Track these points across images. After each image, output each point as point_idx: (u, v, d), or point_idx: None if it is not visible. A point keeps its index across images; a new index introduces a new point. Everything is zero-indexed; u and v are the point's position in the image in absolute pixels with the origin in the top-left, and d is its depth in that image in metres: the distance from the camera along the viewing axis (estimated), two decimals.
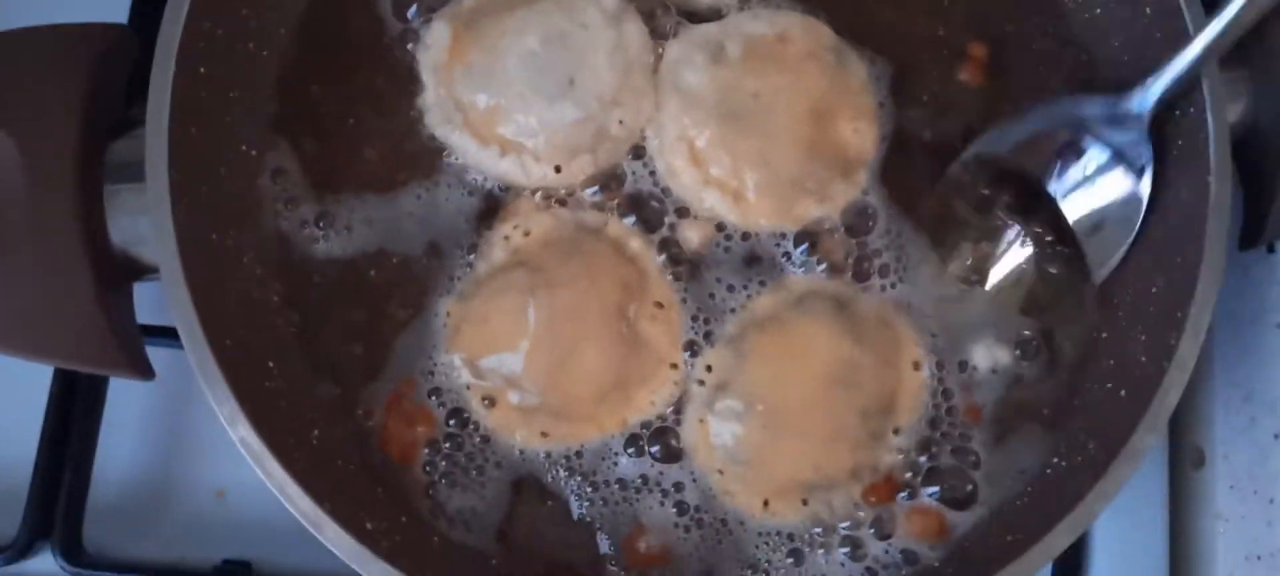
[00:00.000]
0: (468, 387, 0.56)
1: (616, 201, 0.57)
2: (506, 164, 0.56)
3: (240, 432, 0.49)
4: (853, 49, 0.58)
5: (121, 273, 0.53)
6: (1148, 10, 0.55)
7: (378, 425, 0.56)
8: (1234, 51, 0.53)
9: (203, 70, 0.53)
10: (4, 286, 0.50)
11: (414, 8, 0.59)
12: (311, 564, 0.61)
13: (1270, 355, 0.58)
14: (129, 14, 0.66)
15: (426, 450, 0.56)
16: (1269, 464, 0.57)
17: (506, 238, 0.57)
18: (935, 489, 0.55)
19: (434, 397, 0.56)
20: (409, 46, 0.59)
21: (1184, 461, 0.64)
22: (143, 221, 0.51)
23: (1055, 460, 0.55)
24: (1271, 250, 0.58)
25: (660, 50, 0.58)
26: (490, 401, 0.55)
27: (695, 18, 0.59)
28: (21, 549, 0.62)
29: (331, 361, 0.56)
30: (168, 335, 0.54)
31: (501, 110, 0.56)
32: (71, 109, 0.51)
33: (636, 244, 0.57)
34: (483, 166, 0.57)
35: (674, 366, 0.56)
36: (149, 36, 0.53)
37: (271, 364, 0.54)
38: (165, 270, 0.50)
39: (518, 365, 0.54)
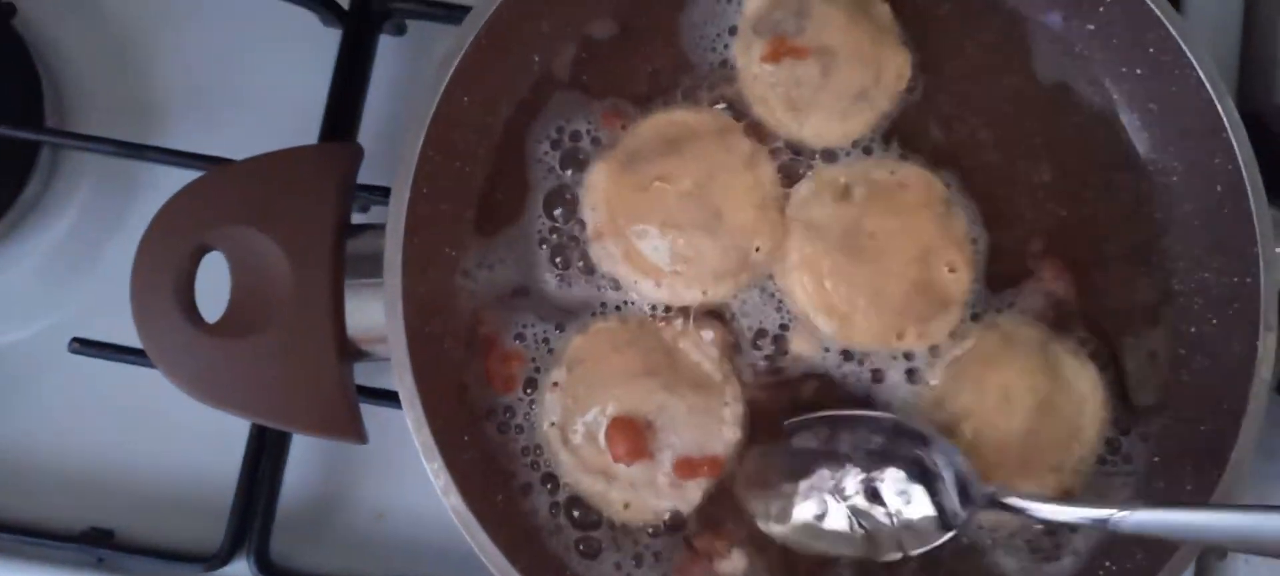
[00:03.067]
0: None
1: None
2: (663, 290, 0.66)
3: (453, 502, 0.60)
4: (960, 202, 0.68)
5: (353, 354, 0.63)
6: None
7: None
8: None
9: (426, 189, 0.63)
10: (267, 366, 0.60)
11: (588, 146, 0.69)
12: None
13: None
14: (319, 137, 0.76)
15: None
16: None
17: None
18: None
19: None
20: (568, 173, 0.68)
21: (1210, 553, 0.75)
22: (373, 310, 0.61)
23: (1107, 563, 0.64)
24: None
25: (791, 189, 0.68)
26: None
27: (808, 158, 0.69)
28: (224, 558, 0.74)
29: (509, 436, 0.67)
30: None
31: (658, 240, 0.66)
32: (326, 216, 0.61)
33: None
34: (639, 289, 0.67)
35: None
36: None
37: (466, 437, 0.65)
38: (395, 359, 0.61)
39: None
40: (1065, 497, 0.64)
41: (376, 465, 0.78)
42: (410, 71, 0.81)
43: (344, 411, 0.62)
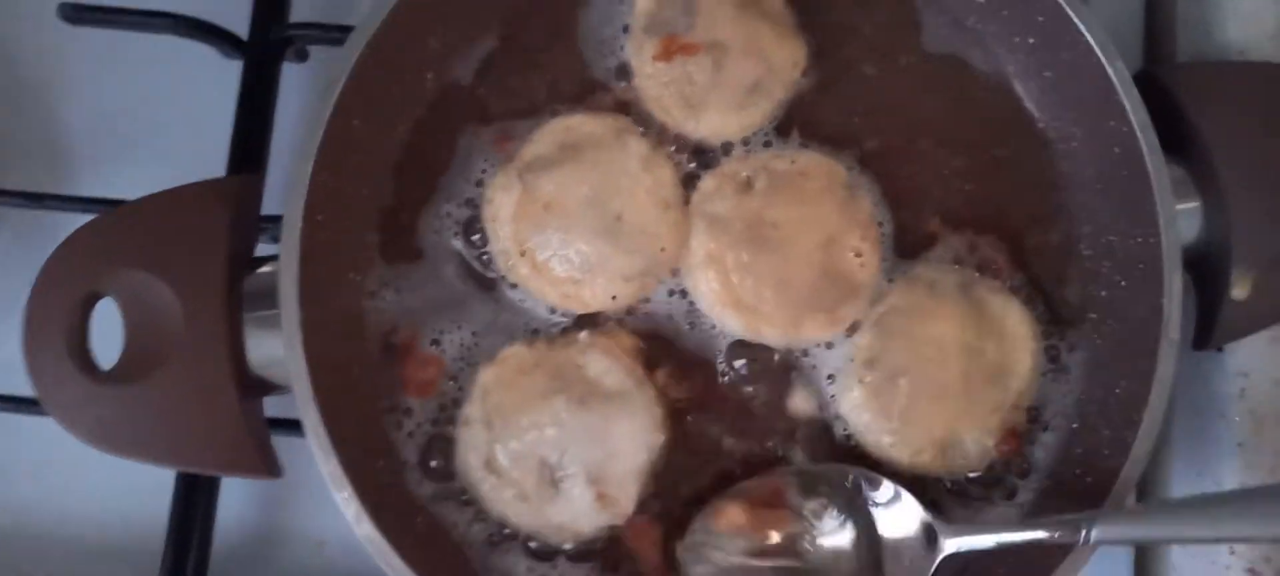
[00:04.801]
0: None
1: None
2: (572, 300, 0.66)
3: (365, 530, 0.59)
4: (863, 185, 0.68)
5: (257, 388, 0.63)
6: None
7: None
8: (1189, 181, 0.63)
9: (321, 217, 0.62)
10: (164, 411, 0.60)
11: (481, 167, 0.68)
12: None
13: (1217, 440, 0.68)
14: (226, 170, 0.75)
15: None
16: None
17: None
18: None
19: None
20: (475, 188, 0.68)
21: None
22: (275, 344, 0.61)
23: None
24: (1220, 350, 0.68)
25: (693, 187, 0.67)
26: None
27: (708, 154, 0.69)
28: None
29: (426, 455, 0.66)
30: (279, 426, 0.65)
31: (561, 249, 0.65)
32: (217, 255, 0.61)
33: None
34: (547, 299, 0.66)
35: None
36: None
37: (381, 462, 0.64)
38: (298, 391, 0.60)
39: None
40: (1029, 520, 0.64)
41: (314, 493, 0.74)
42: (315, 97, 0.80)
43: (249, 448, 0.61)
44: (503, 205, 0.66)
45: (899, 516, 0.62)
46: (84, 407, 0.59)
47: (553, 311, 0.67)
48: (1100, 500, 0.60)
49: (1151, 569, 0.71)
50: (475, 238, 0.68)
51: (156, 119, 0.81)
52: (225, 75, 0.78)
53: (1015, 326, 0.66)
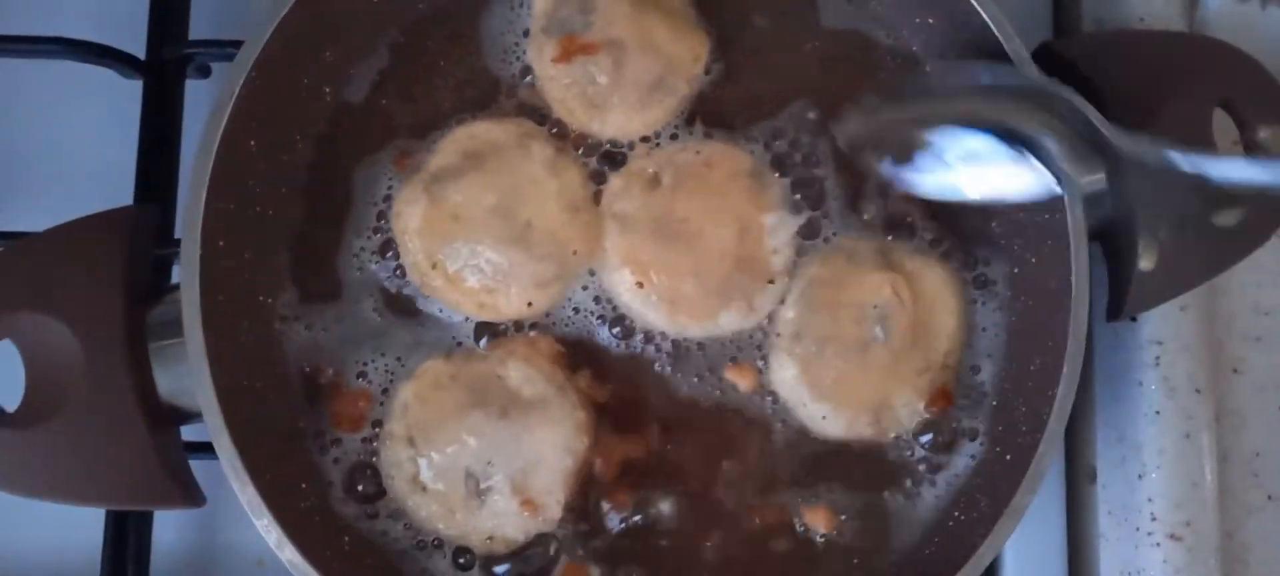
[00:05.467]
0: None
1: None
2: (487, 310, 0.65)
3: (288, 555, 0.59)
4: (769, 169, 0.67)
5: (170, 418, 0.62)
6: None
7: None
8: (1091, 158, 0.63)
9: (222, 243, 0.62)
10: (70, 450, 0.58)
11: (388, 181, 0.68)
12: None
13: (1134, 406, 0.68)
14: (134, 195, 0.73)
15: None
16: (1135, 496, 0.68)
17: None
18: None
19: None
20: (386, 203, 0.67)
21: (1081, 475, 0.74)
22: (185, 373, 0.60)
23: (956, 514, 0.65)
24: (1134, 320, 0.69)
25: (602, 186, 0.67)
26: None
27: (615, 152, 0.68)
28: None
29: (352, 477, 0.66)
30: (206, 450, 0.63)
31: (471, 260, 0.64)
32: (114, 289, 0.59)
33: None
34: (463, 309, 0.66)
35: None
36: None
37: (304, 485, 0.64)
38: (209, 421, 0.59)
39: None
40: None
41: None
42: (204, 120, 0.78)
43: (165, 481, 0.60)
44: (410, 218, 0.66)
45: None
46: None
47: (467, 320, 0.66)
48: (1017, 483, 0.60)
49: (1082, 532, 0.72)
50: (389, 255, 0.67)
51: (62, 149, 0.78)
52: (128, 97, 0.76)
53: (937, 285, 0.66)
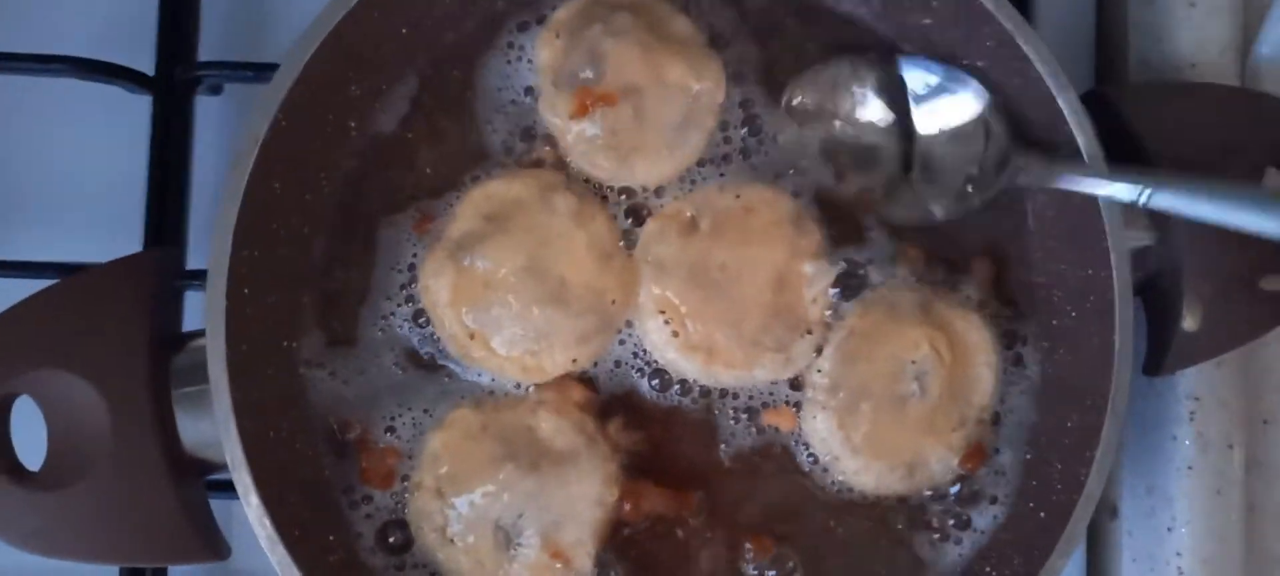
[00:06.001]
0: None
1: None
2: (531, 373, 0.63)
3: None
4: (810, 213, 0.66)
5: (194, 470, 0.60)
6: None
7: None
8: (1137, 214, 0.61)
9: (247, 290, 0.60)
10: (96, 512, 0.57)
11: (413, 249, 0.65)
12: None
13: (1166, 459, 0.68)
14: (144, 215, 0.71)
15: None
16: (1163, 548, 0.68)
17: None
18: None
19: None
20: (410, 270, 0.65)
21: (1103, 512, 0.75)
22: (209, 423, 0.58)
23: (987, 569, 0.64)
24: (1171, 373, 0.68)
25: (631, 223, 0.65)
26: None
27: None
28: None
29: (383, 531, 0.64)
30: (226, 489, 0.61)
31: (510, 326, 0.62)
32: (137, 343, 0.58)
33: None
34: (508, 375, 0.64)
35: None
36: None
37: (332, 537, 0.62)
38: (236, 475, 0.57)
39: None
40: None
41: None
42: (234, 130, 0.76)
43: (187, 535, 0.59)
44: (439, 292, 0.63)
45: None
46: (12, 515, 0.56)
47: (512, 388, 0.64)
48: (1053, 544, 0.60)
49: (1103, 570, 0.72)
50: (423, 322, 0.65)
51: (73, 171, 0.75)
52: (138, 115, 0.73)
53: (977, 341, 0.65)
